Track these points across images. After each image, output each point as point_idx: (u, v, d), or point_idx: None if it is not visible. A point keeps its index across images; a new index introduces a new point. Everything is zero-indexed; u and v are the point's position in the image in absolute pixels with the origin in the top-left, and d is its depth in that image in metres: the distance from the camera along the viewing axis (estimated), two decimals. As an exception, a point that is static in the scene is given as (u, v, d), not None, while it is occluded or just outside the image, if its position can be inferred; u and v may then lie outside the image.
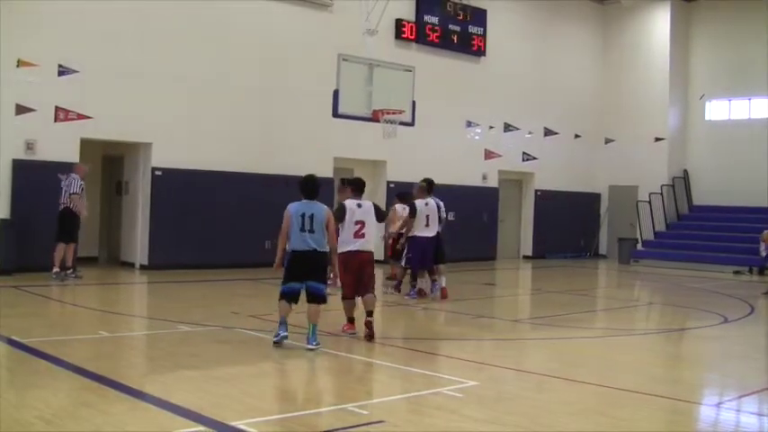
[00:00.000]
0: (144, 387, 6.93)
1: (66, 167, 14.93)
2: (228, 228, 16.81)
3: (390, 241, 14.34)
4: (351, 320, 9.72)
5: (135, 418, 6.00)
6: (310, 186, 8.84)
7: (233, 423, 5.78)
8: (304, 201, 8.76)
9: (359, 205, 9.61)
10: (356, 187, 9.94)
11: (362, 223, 9.50)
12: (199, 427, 5.74)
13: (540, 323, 11.92)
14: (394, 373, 8.17)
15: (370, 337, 9.34)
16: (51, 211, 14.73)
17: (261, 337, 9.48)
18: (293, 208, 8.71)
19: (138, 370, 7.90)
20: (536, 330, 11.34)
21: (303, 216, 8.61)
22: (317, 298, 8.69)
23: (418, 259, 13.34)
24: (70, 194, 13.87)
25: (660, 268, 22.18)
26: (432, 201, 13.38)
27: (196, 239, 16.54)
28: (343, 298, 9.68)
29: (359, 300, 9.68)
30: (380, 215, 10.02)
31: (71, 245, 14.03)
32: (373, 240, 9.79)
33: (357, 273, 9.48)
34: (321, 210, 8.74)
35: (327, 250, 8.81)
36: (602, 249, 26.39)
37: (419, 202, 13.24)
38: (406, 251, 13.51)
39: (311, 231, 8.59)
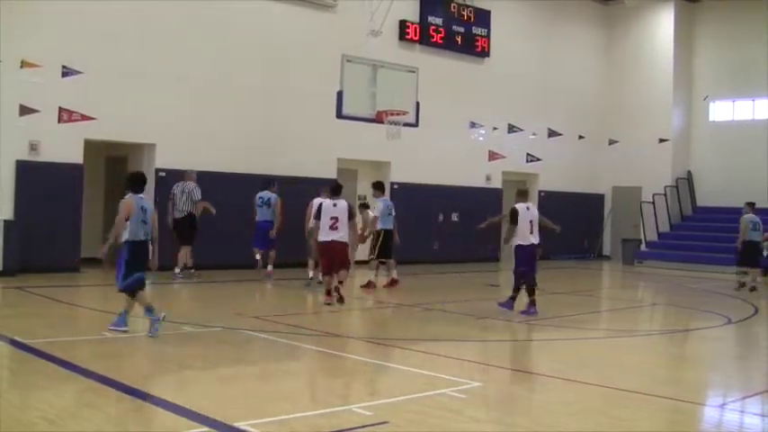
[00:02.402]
0: (147, 388, 6.94)
1: (70, 168, 14.97)
2: (231, 229, 16.79)
3: (370, 239, 15.05)
4: (329, 293, 12.21)
5: (138, 419, 6.01)
6: (142, 181, 9.51)
7: (237, 424, 5.78)
8: (138, 195, 9.28)
9: (334, 204, 12.19)
10: (333, 190, 12.54)
11: (336, 218, 12.10)
12: (203, 428, 5.74)
13: (543, 324, 11.89)
14: (397, 373, 8.19)
15: (340, 300, 12.21)
16: (55, 212, 14.79)
17: (264, 337, 9.53)
18: (135, 200, 9.19)
19: (142, 371, 7.91)
20: (540, 331, 11.33)
21: (143, 209, 9.23)
22: (144, 284, 9.39)
23: (531, 269, 12.26)
24: (195, 201, 14.89)
25: (664, 269, 22.15)
26: (533, 205, 12.58)
27: (199, 240, 16.53)
28: (324, 274, 12.43)
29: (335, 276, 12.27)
30: (351, 215, 12.33)
31: (189, 247, 15.06)
32: (346, 232, 12.19)
33: (332, 257, 12.13)
34: (151, 203, 9.59)
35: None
36: (606, 250, 26.37)
37: (521, 207, 12.21)
38: (514, 266, 12.30)
39: (145, 222, 9.23)
